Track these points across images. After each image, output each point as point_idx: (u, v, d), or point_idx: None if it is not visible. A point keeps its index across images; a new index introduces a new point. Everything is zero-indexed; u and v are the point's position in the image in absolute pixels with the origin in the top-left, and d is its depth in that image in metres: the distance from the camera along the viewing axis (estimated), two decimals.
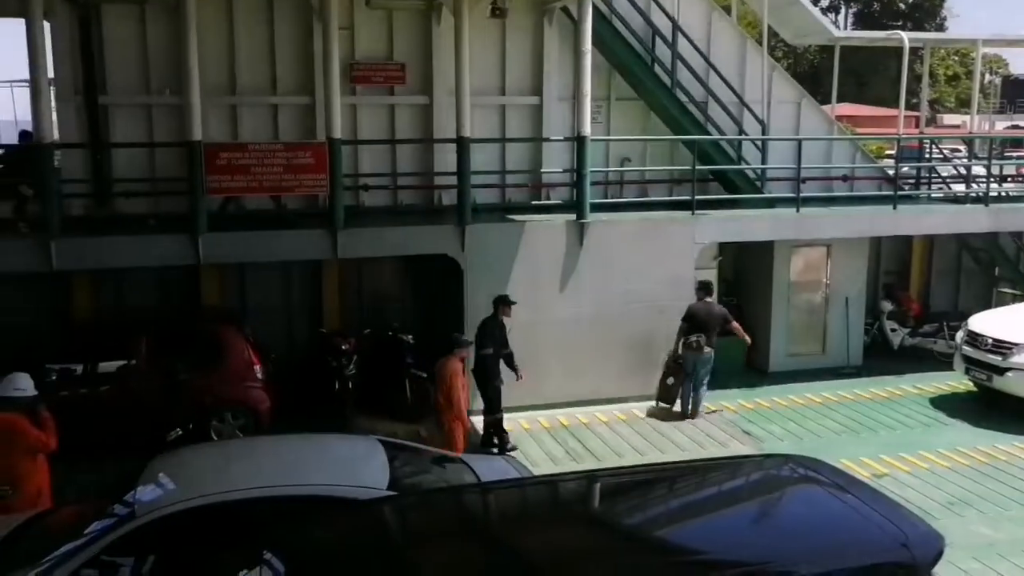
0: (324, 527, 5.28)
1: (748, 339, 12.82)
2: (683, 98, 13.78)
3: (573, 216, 12.31)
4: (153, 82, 12.49)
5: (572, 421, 11.79)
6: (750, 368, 14.18)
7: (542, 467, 10.07)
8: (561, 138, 13.38)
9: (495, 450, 10.70)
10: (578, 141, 12.32)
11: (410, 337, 12.17)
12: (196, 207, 10.91)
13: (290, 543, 5.10)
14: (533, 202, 13.66)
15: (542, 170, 13.77)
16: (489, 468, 7.56)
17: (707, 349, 12.01)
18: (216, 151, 11.11)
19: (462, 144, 11.62)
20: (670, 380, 12.32)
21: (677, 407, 12.32)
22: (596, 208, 12.64)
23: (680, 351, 12.16)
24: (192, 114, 10.82)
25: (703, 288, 12.35)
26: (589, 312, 12.25)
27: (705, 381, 12.18)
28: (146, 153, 12.44)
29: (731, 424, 12.01)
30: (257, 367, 10.97)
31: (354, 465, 7.00)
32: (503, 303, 11.02)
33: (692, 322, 12.09)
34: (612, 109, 14.16)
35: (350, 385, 11.50)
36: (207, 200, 11.09)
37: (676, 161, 14.15)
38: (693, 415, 12.11)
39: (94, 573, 5.86)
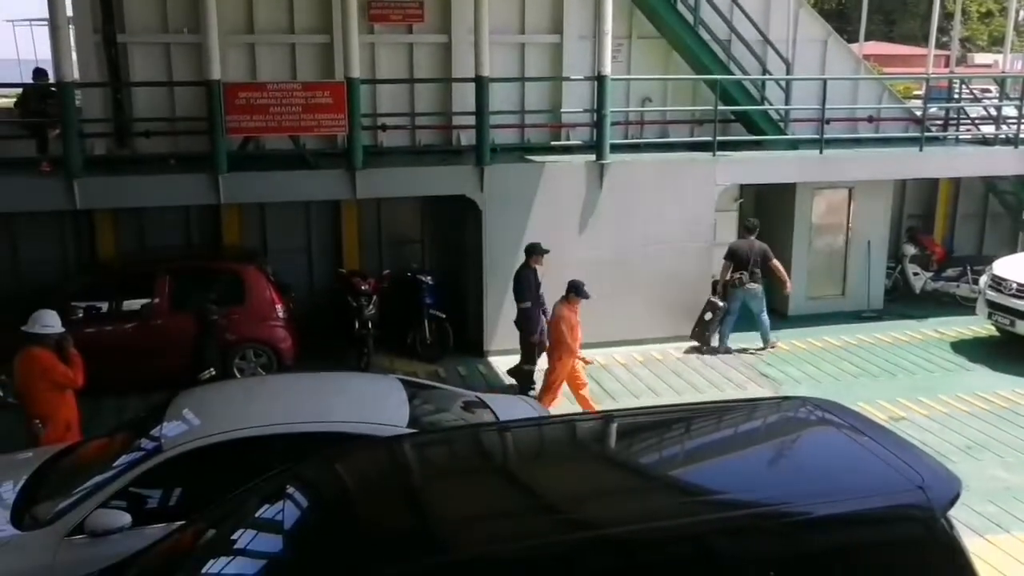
0: (345, 463, 5.37)
1: (787, 279, 12.87)
2: (706, 36, 13.51)
3: (593, 157, 12.24)
4: (171, 21, 12.41)
5: (591, 362, 11.86)
6: (770, 311, 14.12)
7: (560, 407, 10.15)
8: (581, 77, 13.19)
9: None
10: (598, 80, 12.17)
11: (429, 277, 12.21)
12: (216, 147, 10.92)
13: (312, 478, 5.19)
14: (553, 143, 13.55)
15: (562, 110, 13.63)
16: (507, 407, 7.63)
17: (751, 285, 12.34)
18: (235, 90, 11.07)
19: (481, 83, 11.52)
20: (707, 315, 12.50)
21: (715, 342, 12.53)
22: (616, 149, 12.56)
23: (723, 289, 12.50)
24: (210, 53, 10.76)
25: (747, 226, 12.64)
26: (608, 254, 12.23)
27: (763, 316, 12.59)
28: (166, 92, 12.44)
29: (749, 367, 12.05)
30: (278, 306, 11.10)
31: (374, 403, 7.09)
32: (534, 252, 10.89)
33: (734, 258, 12.39)
34: (633, 48, 13.92)
35: (370, 325, 11.59)
36: (227, 140, 11.08)
37: (698, 101, 13.96)
38: (719, 349, 12.50)
39: (123, 504, 5.98)
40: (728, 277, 12.39)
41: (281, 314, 11.09)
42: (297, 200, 12.39)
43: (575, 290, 10.07)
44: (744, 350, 12.62)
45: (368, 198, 12.21)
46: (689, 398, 10.62)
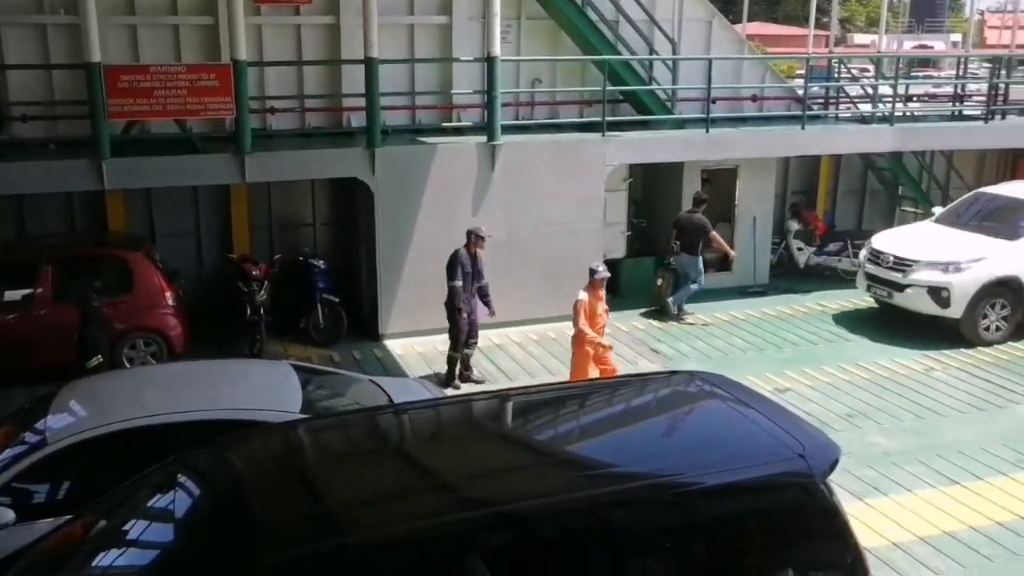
0: (238, 450, 5.26)
1: (729, 250, 13.64)
2: (593, 17, 13.62)
3: (484, 138, 12.23)
4: (47, 1, 11.82)
5: (486, 343, 11.88)
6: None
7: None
8: (471, 59, 13.15)
9: (458, 383, 10.69)
10: (488, 62, 12.15)
11: (322, 261, 12.04)
12: (98, 131, 10.50)
13: (204, 466, 5.08)
14: (444, 124, 13.47)
15: (452, 91, 13.56)
16: (401, 389, 7.62)
17: (685, 255, 13.29)
18: (117, 73, 10.67)
19: (370, 65, 11.35)
20: (659, 281, 13.59)
21: (673, 309, 13.35)
22: (507, 130, 12.57)
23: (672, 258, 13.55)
24: (89, 35, 10.32)
25: (695, 199, 13.51)
26: (501, 235, 12.24)
27: (691, 286, 13.34)
28: (43, 75, 11.83)
29: (640, 343, 12.30)
30: (167, 293, 10.80)
31: (267, 389, 7.01)
32: (473, 236, 10.70)
33: (678, 229, 13.35)
34: (522, 29, 13.91)
35: (261, 311, 11.35)
36: (109, 125, 10.66)
37: (587, 82, 14.08)
38: (679, 318, 13.23)
39: (7, 500, 5.79)
40: (672, 246, 13.42)
41: (170, 301, 10.79)
42: (184, 185, 12.01)
43: (590, 274, 9.99)
44: (682, 319, 13.26)
45: (258, 182, 11.93)
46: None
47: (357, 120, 12.69)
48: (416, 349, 11.81)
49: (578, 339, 9.79)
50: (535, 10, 13.70)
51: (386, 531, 4.24)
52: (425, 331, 11.83)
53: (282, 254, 12.44)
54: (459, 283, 10.52)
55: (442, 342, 11.48)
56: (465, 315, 10.64)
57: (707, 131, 13.57)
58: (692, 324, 13.09)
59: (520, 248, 12.40)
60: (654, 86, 14.26)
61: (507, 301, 12.16)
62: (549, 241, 12.57)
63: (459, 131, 13.14)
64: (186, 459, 5.16)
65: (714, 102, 13.94)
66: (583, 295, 9.81)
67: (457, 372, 10.78)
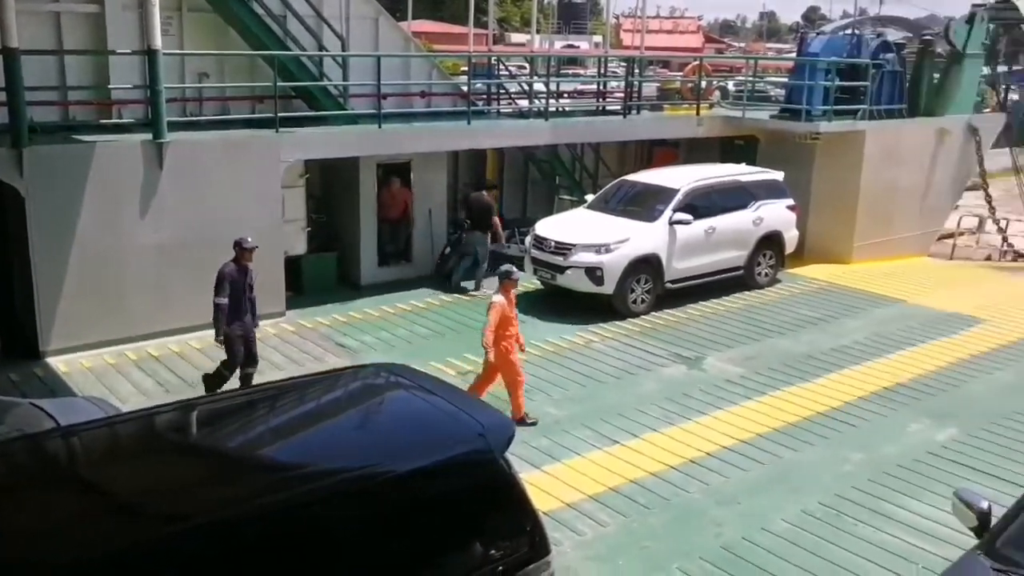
0: None
1: (502, 238, 14.98)
2: (259, 11, 13.38)
3: (150, 136, 11.57)
4: None
5: (163, 352, 11.34)
6: (344, 282, 14.60)
7: (132, 402, 9.62)
8: (128, 51, 12.37)
9: None
10: (149, 55, 11.48)
11: None
12: None
13: None
14: (103, 121, 12.57)
15: (110, 86, 12.68)
16: (68, 410, 7.10)
17: (477, 232, 14.58)
18: None
19: (9, 56, 10.30)
20: (447, 251, 15.10)
21: (470, 287, 14.59)
22: (174, 127, 11.99)
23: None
24: None
25: (479, 183, 15.26)
26: (175, 237, 11.71)
27: (482, 261, 14.57)
28: None
29: (326, 338, 12.36)
30: None
31: None
32: (238, 247, 9.94)
33: (468, 208, 14.82)
34: (185, 21, 13.31)
35: None
36: None
37: (257, 77, 13.79)
38: (477, 288, 14.55)
39: None
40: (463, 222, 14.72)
41: None
42: None
43: (504, 276, 9.85)
44: (464, 291, 14.52)
45: None
46: (270, 376, 10.60)
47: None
48: (83, 364, 10.96)
49: (496, 341, 9.66)
50: (197, 2, 13.16)
51: (67, 558, 4.04)
52: (94, 344, 11.04)
53: None
54: (224, 300, 9.83)
55: (114, 354, 10.81)
56: (240, 333, 10.02)
57: (380, 126, 13.84)
58: (474, 296, 14.28)
59: (198, 250, 11.83)
60: (325, 82, 14.28)
61: (186, 307, 11.70)
62: (228, 242, 12.12)
63: (122, 128, 12.31)
64: None
65: (385, 98, 14.26)
66: (498, 297, 9.74)
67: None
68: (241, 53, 13.54)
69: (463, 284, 14.76)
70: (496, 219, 14.83)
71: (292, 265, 13.46)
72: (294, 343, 12.12)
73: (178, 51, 12.99)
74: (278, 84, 12.77)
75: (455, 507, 5.25)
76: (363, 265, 14.75)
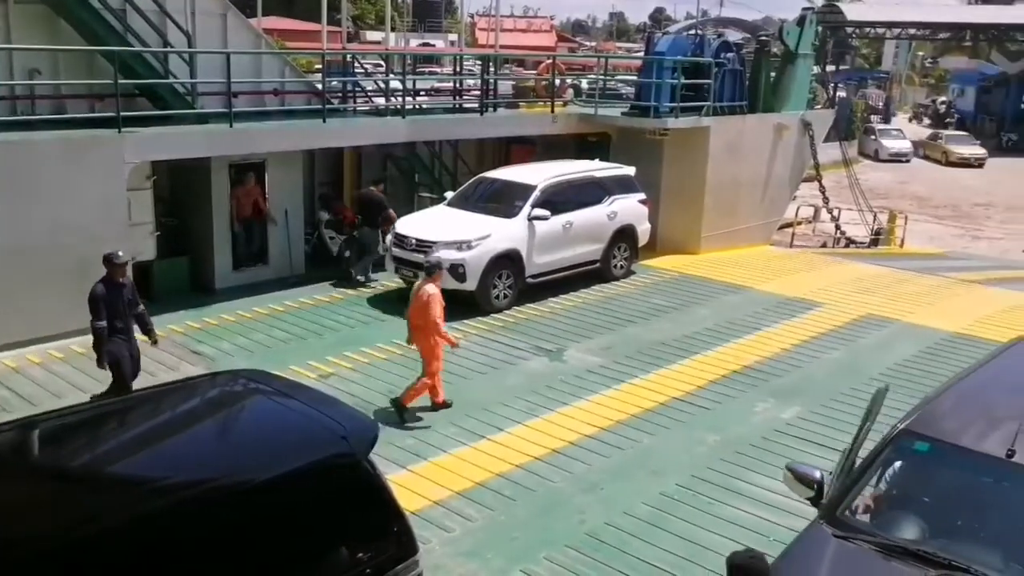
0: None
1: (389, 234, 14.36)
2: (95, 4, 12.71)
3: None
4: None
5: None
6: (197, 287, 14.11)
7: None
8: None
9: None
10: None
11: None
12: None
13: None
14: None
15: None
16: None
17: (368, 228, 14.90)
18: None
19: None
20: (347, 253, 15.35)
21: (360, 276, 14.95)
22: (4, 127, 11.30)
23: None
24: None
25: (372, 180, 15.62)
26: (7, 245, 11.02)
27: (372, 253, 14.90)
28: None
29: (180, 346, 11.91)
30: None
31: None
32: (108, 262, 9.26)
33: (360, 204, 15.22)
34: (11, 14, 12.46)
35: None
36: None
37: (96, 75, 13.11)
38: (365, 282, 14.89)
39: None
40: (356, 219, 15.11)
41: None
42: None
43: (436, 267, 10.32)
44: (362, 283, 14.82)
45: None
46: None
47: None
48: None
49: (425, 331, 9.89)
50: None
51: None
52: None
53: None
54: (102, 323, 9.19)
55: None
56: (127, 354, 9.41)
57: (231, 125, 13.44)
58: (373, 288, 14.74)
59: (34, 258, 11.22)
60: (171, 80, 13.73)
61: (20, 318, 11.07)
62: (70, 248, 11.52)
63: None
64: None
65: (236, 96, 13.85)
66: (432, 288, 9.96)
67: None
68: (74, 48, 12.83)
69: (359, 277, 15.05)
70: (391, 212, 14.80)
71: (141, 271, 12.88)
72: (146, 352, 11.53)
73: (4, 46, 12.20)
74: (120, 82, 12.20)
75: (319, 512, 5.19)
76: (217, 269, 14.28)
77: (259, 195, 14.70)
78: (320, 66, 17.95)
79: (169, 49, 13.73)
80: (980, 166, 43.42)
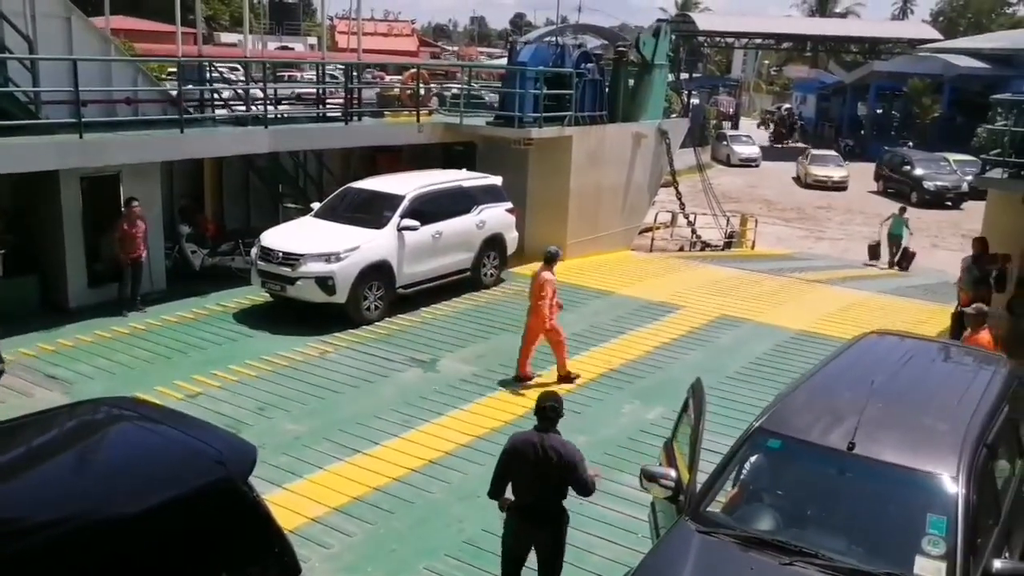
0: None
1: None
2: None
3: None
4: None
5: None
6: (49, 307, 13.44)
7: None
8: None
9: None
10: None
11: None
12: None
13: None
14: None
15: None
16: None
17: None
18: None
19: None
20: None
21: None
22: None
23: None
24: None
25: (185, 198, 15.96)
26: None
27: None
28: None
29: (32, 370, 11.32)
30: None
31: None
32: None
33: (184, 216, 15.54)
34: None
35: None
36: None
37: None
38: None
39: None
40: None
41: None
42: None
43: (554, 257, 11.63)
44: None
45: None
46: None
47: None
48: None
49: (539, 312, 11.30)
50: None
51: None
52: None
53: None
54: None
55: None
56: None
57: (81, 136, 12.86)
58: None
59: None
60: (12, 88, 13.02)
61: None
62: None
63: None
64: None
65: (85, 105, 13.25)
66: (550, 275, 11.26)
67: None
68: None
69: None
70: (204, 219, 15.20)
71: None
72: None
73: None
74: None
75: (198, 540, 5.10)
76: (71, 286, 13.63)
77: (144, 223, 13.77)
78: (174, 71, 17.36)
79: (7, 56, 13.00)
80: (842, 189, 38.47)
